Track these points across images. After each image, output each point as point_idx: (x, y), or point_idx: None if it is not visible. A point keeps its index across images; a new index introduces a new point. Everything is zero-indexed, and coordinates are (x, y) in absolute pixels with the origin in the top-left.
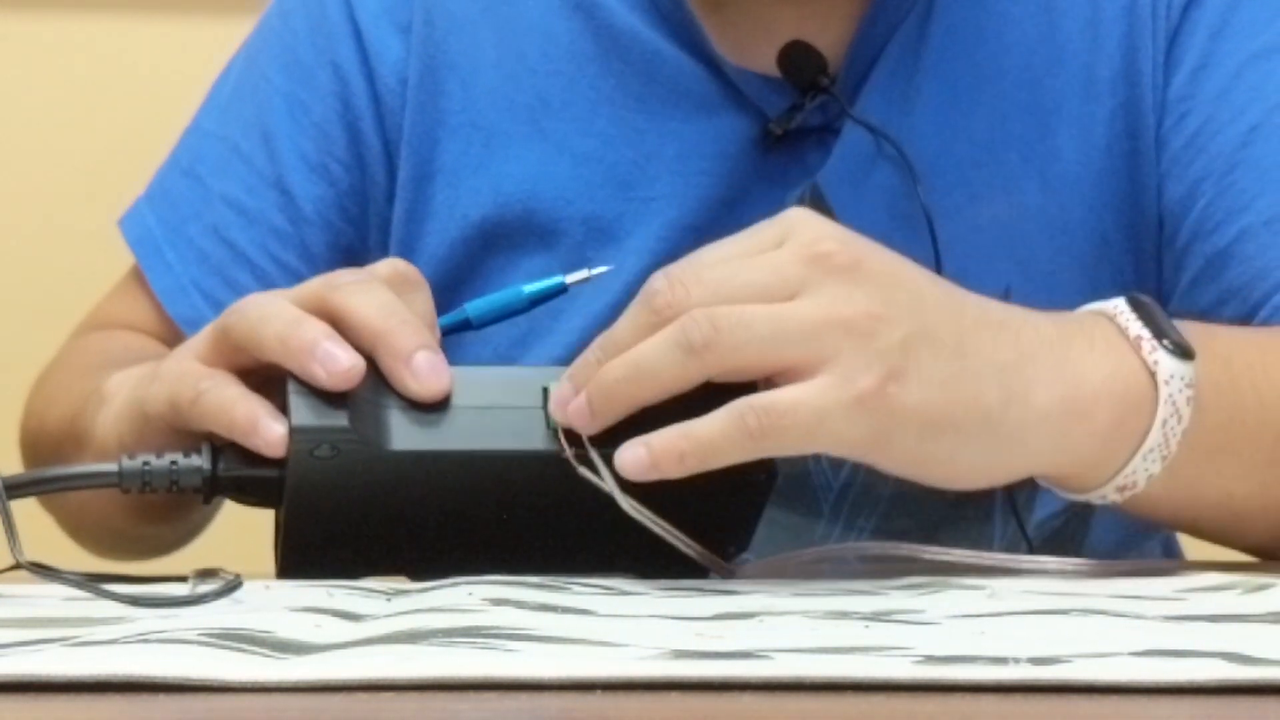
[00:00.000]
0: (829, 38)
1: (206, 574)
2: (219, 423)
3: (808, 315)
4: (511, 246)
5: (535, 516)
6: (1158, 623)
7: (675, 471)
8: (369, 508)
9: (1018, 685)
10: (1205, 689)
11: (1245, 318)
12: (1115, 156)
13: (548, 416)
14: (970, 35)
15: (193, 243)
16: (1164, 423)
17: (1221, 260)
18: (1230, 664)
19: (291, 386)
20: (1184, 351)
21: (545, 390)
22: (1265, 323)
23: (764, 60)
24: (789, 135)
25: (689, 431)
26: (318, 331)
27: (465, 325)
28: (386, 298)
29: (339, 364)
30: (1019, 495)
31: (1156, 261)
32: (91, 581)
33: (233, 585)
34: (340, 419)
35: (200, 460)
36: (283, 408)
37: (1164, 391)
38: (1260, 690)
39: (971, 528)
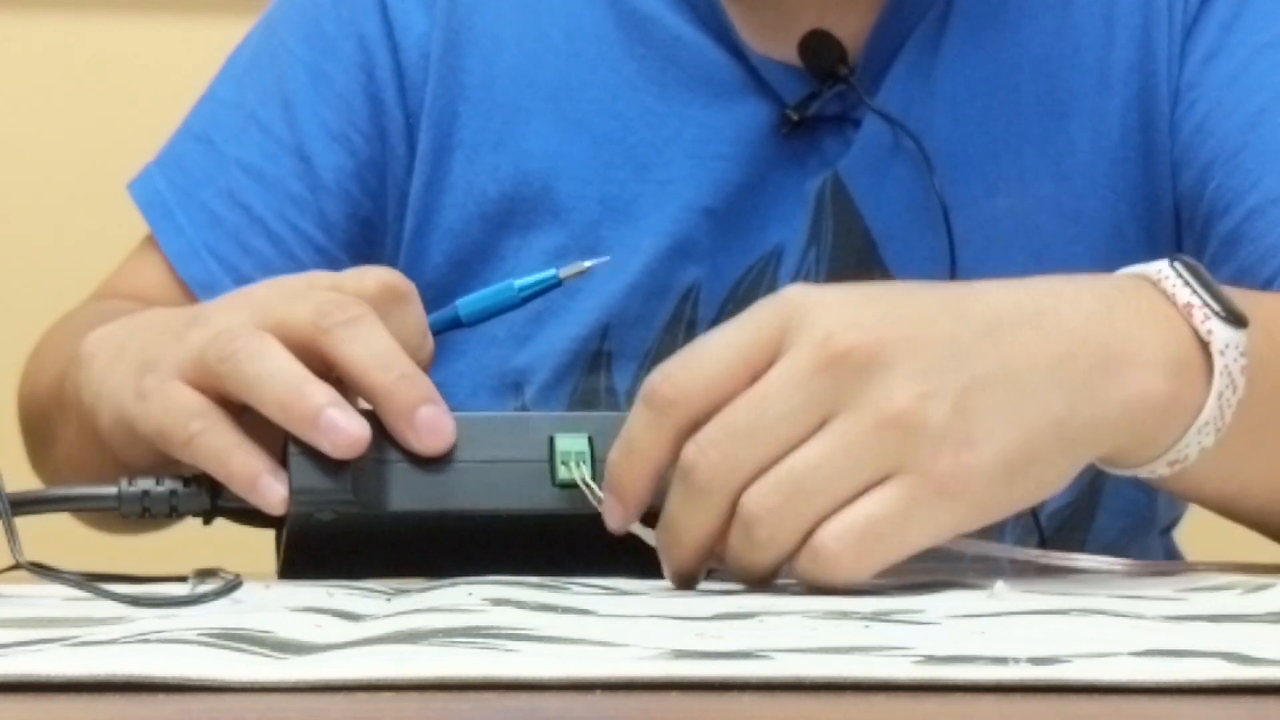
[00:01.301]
0: (850, 28)
1: (206, 574)
2: (214, 470)
3: (854, 436)
4: (528, 224)
5: (540, 568)
6: (1158, 623)
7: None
8: (370, 559)
9: (1018, 685)
10: (1205, 689)
11: None
12: (1129, 147)
13: (553, 472)
14: (988, 29)
15: (205, 206)
16: (1220, 394)
17: (1233, 241)
18: (1230, 664)
19: (291, 446)
20: (1238, 319)
21: (551, 440)
22: None
23: (785, 48)
24: (808, 123)
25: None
26: (321, 399)
27: (456, 323)
28: (384, 345)
29: (345, 436)
30: None
31: (1173, 251)
32: (91, 581)
33: (233, 585)
34: (342, 482)
35: (199, 490)
36: (280, 454)
37: (1219, 362)
38: (1260, 690)
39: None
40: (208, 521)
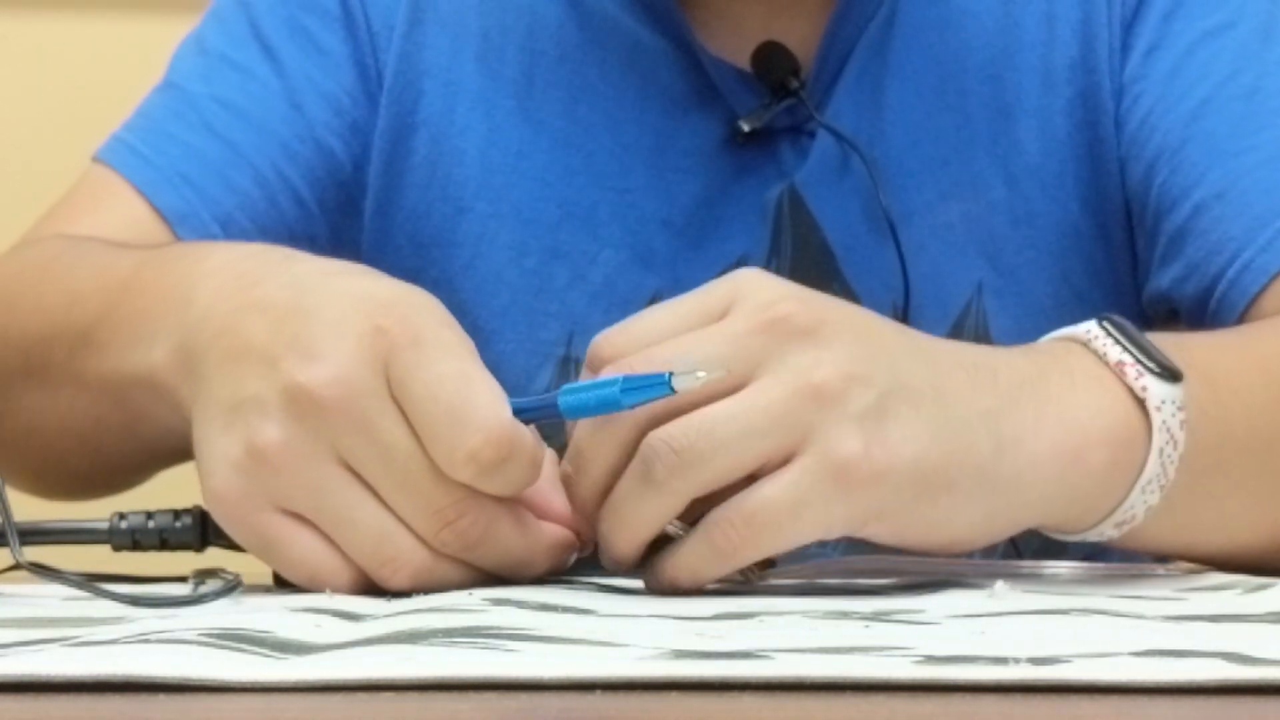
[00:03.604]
0: (797, 36)
1: (206, 574)
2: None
3: (772, 397)
4: (492, 214)
5: None
6: (1158, 623)
7: (684, 589)
8: None
9: (1018, 685)
10: (1205, 689)
11: (1205, 293)
12: (1077, 145)
13: None
14: (932, 33)
15: (175, 138)
16: (1160, 451)
17: (1180, 237)
18: (1230, 664)
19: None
20: (1171, 373)
21: None
22: (1224, 297)
23: (740, 54)
24: (764, 134)
25: (675, 560)
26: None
27: (555, 415)
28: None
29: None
30: None
31: (1128, 247)
32: (91, 581)
33: (232, 585)
34: None
35: (191, 524)
36: None
37: (1156, 419)
38: (1260, 690)
39: None
40: (200, 550)
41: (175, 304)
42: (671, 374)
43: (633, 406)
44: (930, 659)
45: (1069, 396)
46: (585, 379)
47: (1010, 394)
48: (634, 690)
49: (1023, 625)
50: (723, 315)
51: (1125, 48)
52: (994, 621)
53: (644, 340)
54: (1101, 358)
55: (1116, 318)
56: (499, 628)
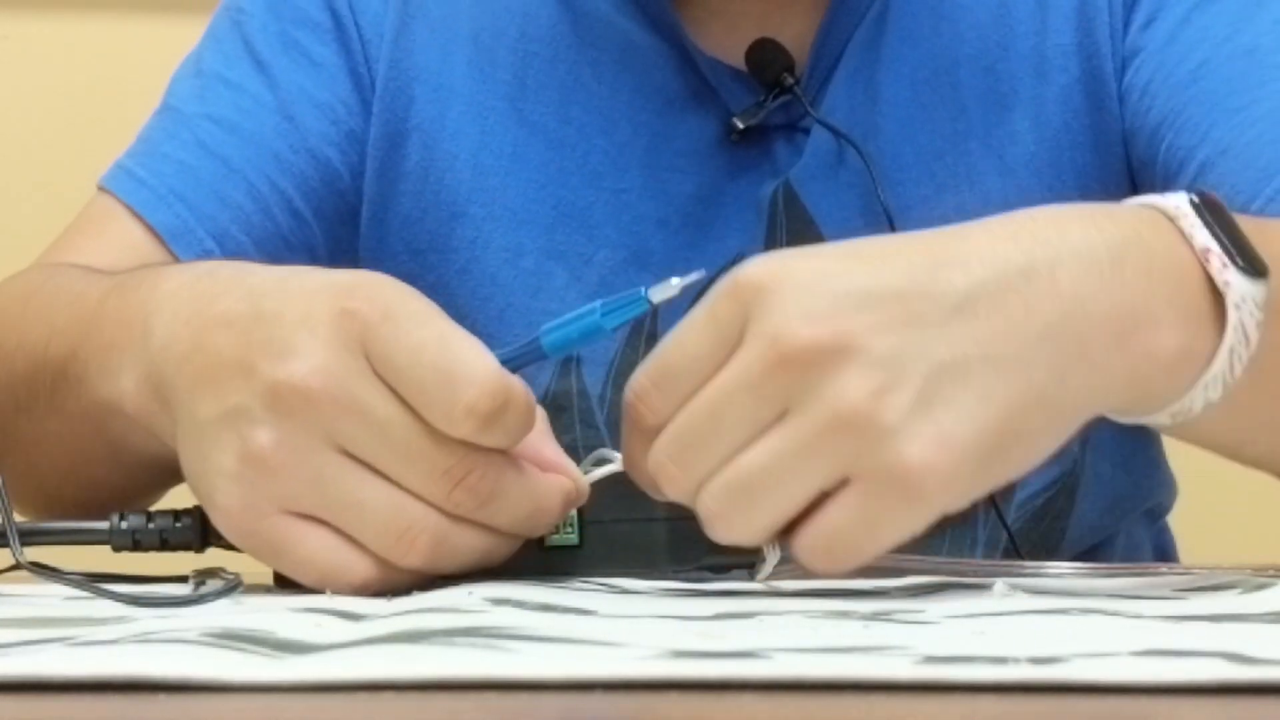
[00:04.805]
0: (792, 32)
1: (206, 574)
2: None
3: (805, 438)
4: (487, 217)
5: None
6: (1158, 622)
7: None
8: None
9: (1018, 685)
10: (1205, 689)
11: None
12: (1075, 132)
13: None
14: (926, 26)
15: (169, 157)
16: (1231, 350)
17: None
18: (1230, 664)
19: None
20: (1257, 269)
21: None
22: None
23: (734, 53)
24: (757, 132)
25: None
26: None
27: (539, 356)
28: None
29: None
30: None
31: None
32: (92, 581)
33: (233, 585)
34: None
35: (191, 524)
36: None
37: (1233, 316)
38: (1260, 690)
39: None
40: (200, 550)
41: (137, 334)
42: (646, 288)
43: (615, 329)
44: (930, 659)
45: (1143, 284)
46: (631, 439)
47: (1073, 294)
48: (634, 690)
49: (1022, 625)
50: (740, 337)
51: (1126, 25)
52: (994, 621)
53: (679, 392)
54: (1187, 239)
55: (1209, 195)
56: (499, 628)
